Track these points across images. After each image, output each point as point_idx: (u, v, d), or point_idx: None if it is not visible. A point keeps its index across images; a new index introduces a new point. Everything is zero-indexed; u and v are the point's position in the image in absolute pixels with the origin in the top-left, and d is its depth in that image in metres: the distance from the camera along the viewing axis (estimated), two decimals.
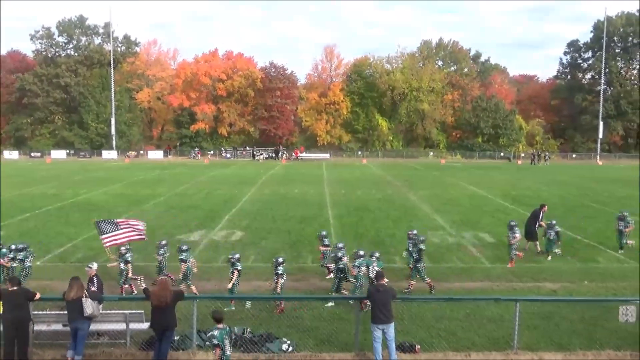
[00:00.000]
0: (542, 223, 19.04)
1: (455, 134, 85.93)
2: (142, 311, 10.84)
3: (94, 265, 12.00)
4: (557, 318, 12.31)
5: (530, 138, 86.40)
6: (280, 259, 13.25)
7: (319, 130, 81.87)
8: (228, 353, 8.77)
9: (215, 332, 8.75)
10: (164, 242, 14.84)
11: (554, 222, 18.25)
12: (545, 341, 11.09)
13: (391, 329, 9.98)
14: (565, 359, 10.24)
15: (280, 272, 12.93)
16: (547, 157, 73.34)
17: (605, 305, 12.56)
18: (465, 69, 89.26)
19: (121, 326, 10.85)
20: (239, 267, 13.12)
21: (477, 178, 46.74)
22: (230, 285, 12.97)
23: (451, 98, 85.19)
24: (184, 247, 14.10)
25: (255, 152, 75.71)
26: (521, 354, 10.36)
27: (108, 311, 11.01)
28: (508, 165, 69.12)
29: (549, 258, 17.71)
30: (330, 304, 13.11)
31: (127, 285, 13.89)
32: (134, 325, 10.83)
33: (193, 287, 13.63)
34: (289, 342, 10.77)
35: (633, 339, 11.09)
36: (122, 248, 14.16)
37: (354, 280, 13.11)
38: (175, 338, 10.40)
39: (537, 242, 18.70)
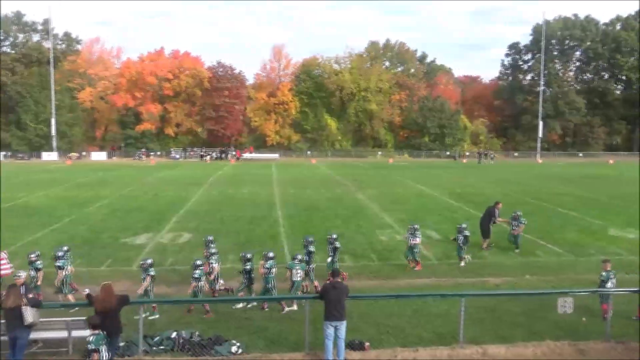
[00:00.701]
0: (499, 220, 19.77)
1: (403, 133, 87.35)
2: (85, 318, 10.48)
3: (23, 274, 11.42)
4: (501, 311, 12.71)
5: (475, 137, 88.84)
6: (198, 262, 13.05)
7: (268, 130, 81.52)
8: (105, 359, 8.66)
9: (91, 338, 8.64)
10: (65, 249, 13.90)
11: (464, 225, 17.54)
12: (489, 334, 11.42)
13: (343, 326, 10.04)
14: (507, 351, 10.57)
15: (196, 275, 12.74)
16: (492, 156, 75.51)
17: (545, 297, 13.05)
18: (412, 70, 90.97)
19: (63, 334, 10.47)
20: (152, 273, 12.74)
21: (424, 177, 47.69)
22: (141, 291, 12.55)
23: (398, 98, 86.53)
24: (60, 253, 13.40)
25: (202, 153, 74.70)
26: (467, 347, 10.63)
27: (49, 319, 10.59)
28: (453, 164, 70.83)
29: (462, 264, 17.00)
30: (239, 305, 12.96)
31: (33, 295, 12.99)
32: (76, 333, 10.47)
33: (70, 296, 13.12)
34: (238, 344, 10.67)
35: (571, 329, 11.60)
36: (32, 255, 13.33)
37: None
38: (121, 344, 10.13)
39: (488, 240, 19.34)
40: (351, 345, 10.56)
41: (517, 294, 13.97)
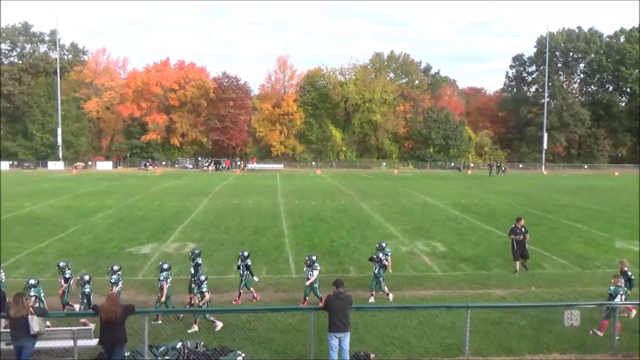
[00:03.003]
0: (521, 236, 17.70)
1: (408, 144, 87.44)
2: (91, 327, 10.51)
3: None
4: (506, 323, 12.65)
5: (479, 148, 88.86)
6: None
7: (273, 140, 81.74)
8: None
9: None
10: (116, 268, 13.28)
11: (380, 255, 14.91)
12: (495, 346, 11.36)
13: (347, 338, 10.01)
14: None
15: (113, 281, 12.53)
16: (504, 169, 72.63)
17: (551, 310, 12.98)
18: (416, 81, 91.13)
19: (68, 343, 10.47)
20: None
21: (429, 187, 47.64)
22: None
23: (403, 109, 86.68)
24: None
25: (205, 163, 75.00)
26: (472, 359, 10.58)
27: (55, 328, 10.61)
28: (458, 175, 70.74)
29: (390, 297, 14.61)
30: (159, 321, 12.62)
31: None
32: (82, 342, 10.47)
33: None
34: (243, 354, 10.63)
35: (578, 342, 11.53)
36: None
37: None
38: (126, 354, 10.12)
39: (527, 260, 17.84)
40: (356, 357, 10.51)
41: (523, 306, 13.89)
